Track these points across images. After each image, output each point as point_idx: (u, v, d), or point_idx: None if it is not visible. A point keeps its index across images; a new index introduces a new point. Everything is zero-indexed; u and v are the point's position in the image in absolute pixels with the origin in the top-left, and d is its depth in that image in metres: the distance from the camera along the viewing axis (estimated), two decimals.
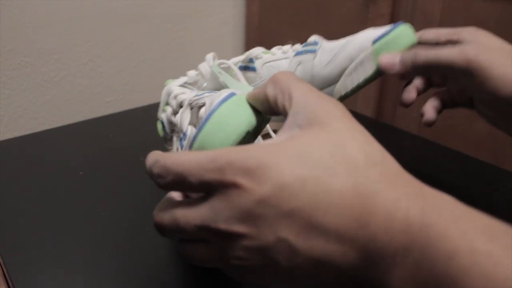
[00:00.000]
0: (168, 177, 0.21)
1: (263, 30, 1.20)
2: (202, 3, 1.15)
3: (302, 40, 0.49)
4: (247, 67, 0.48)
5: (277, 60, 0.47)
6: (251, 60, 0.48)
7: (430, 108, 0.45)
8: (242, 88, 0.36)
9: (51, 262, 0.39)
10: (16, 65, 0.89)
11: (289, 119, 0.23)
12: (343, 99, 0.45)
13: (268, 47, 0.49)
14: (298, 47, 0.48)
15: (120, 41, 1.02)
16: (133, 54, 1.06)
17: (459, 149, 0.63)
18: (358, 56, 0.43)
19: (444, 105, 0.47)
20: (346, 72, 0.44)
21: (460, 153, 0.62)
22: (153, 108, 0.77)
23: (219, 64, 0.46)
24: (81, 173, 0.53)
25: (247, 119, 0.28)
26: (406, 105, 0.46)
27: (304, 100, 0.23)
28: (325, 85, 0.45)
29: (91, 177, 0.53)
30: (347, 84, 0.44)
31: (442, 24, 0.84)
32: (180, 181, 0.21)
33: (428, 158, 0.60)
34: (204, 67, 0.45)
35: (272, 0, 1.15)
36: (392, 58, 0.41)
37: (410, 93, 0.45)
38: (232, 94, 0.30)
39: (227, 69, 0.47)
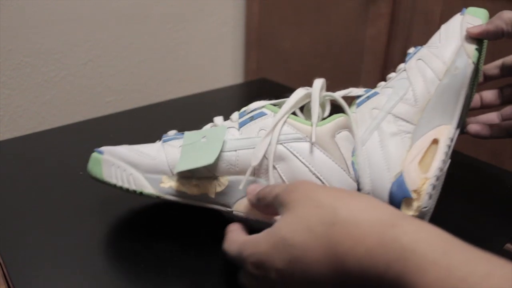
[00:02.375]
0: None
1: (263, 30, 1.20)
2: (202, 3, 1.15)
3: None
4: (375, 93, 0.44)
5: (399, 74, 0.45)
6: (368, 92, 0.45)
7: (483, 124, 0.49)
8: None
9: (51, 262, 0.39)
10: (16, 65, 0.89)
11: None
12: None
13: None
14: (402, 64, 0.46)
15: (120, 41, 1.02)
16: (133, 54, 1.06)
17: (459, 149, 0.63)
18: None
19: None
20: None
21: (460, 153, 0.62)
22: (153, 108, 0.77)
23: (325, 97, 0.43)
24: (81, 173, 0.53)
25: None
26: (472, 136, 0.50)
27: (280, 194, 0.31)
28: (454, 54, 0.43)
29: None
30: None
31: (442, 24, 0.84)
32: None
33: None
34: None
35: (272, 0, 1.15)
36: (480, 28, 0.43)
37: (478, 126, 0.49)
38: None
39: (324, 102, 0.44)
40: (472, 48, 0.43)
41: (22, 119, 0.93)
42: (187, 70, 1.16)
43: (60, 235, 0.43)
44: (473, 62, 0.43)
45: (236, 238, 0.33)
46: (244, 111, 0.41)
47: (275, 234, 0.28)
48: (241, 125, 0.40)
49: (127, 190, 0.40)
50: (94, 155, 0.42)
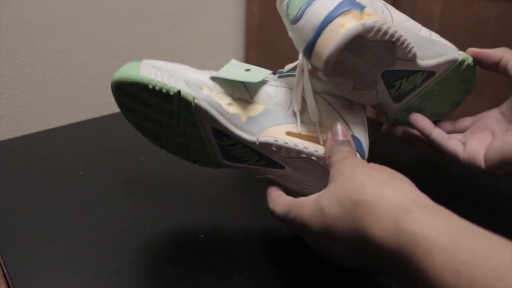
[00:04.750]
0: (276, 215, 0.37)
1: (263, 30, 1.20)
2: (202, 3, 1.15)
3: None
4: None
5: None
6: None
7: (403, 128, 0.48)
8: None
9: (51, 262, 0.39)
10: (16, 65, 0.89)
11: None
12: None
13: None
14: None
15: (120, 41, 1.03)
16: (133, 54, 1.06)
17: None
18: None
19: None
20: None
21: None
22: None
23: None
24: (81, 173, 0.53)
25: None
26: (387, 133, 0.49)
27: (336, 167, 0.34)
28: None
29: (91, 177, 0.53)
30: None
31: (442, 24, 0.84)
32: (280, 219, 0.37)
33: (427, 158, 0.60)
34: None
35: (272, 0, 1.15)
36: None
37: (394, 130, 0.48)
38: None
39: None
40: (465, 54, 0.45)
41: (22, 119, 0.93)
42: None
43: (60, 235, 0.43)
44: (460, 56, 0.44)
45: (282, 200, 0.37)
46: (281, 71, 0.43)
47: (317, 201, 0.32)
48: (280, 77, 0.42)
49: (163, 89, 0.37)
50: (129, 63, 0.39)
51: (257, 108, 0.39)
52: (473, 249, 0.23)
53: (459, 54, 0.44)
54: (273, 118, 0.39)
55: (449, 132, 0.48)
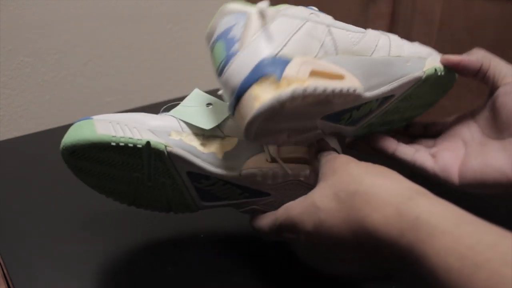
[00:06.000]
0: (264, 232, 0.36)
1: None
2: (202, 3, 1.15)
3: None
4: None
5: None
6: None
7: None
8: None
9: (51, 262, 0.39)
10: (16, 65, 0.89)
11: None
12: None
13: None
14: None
15: (120, 41, 1.02)
16: (133, 54, 1.06)
17: None
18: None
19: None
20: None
21: None
22: (153, 108, 0.77)
23: None
24: None
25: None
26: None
27: (326, 165, 0.33)
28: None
29: None
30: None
31: (442, 24, 0.84)
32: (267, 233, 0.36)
33: None
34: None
35: (272, 0, 1.15)
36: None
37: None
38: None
39: None
40: (433, 65, 0.41)
41: (22, 119, 0.93)
42: (187, 70, 1.16)
43: (60, 235, 0.43)
44: (424, 73, 0.40)
45: (265, 214, 0.36)
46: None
47: (307, 199, 0.31)
48: None
49: (128, 144, 0.34)
50: (79, 123, 0.36)
51: (231, 142, 0.38)
52: (478, 235, 0.22)
53: (423, 72, 0.40)
54: (249, 148, 0.38)
55: (419, 135, 0.46)
